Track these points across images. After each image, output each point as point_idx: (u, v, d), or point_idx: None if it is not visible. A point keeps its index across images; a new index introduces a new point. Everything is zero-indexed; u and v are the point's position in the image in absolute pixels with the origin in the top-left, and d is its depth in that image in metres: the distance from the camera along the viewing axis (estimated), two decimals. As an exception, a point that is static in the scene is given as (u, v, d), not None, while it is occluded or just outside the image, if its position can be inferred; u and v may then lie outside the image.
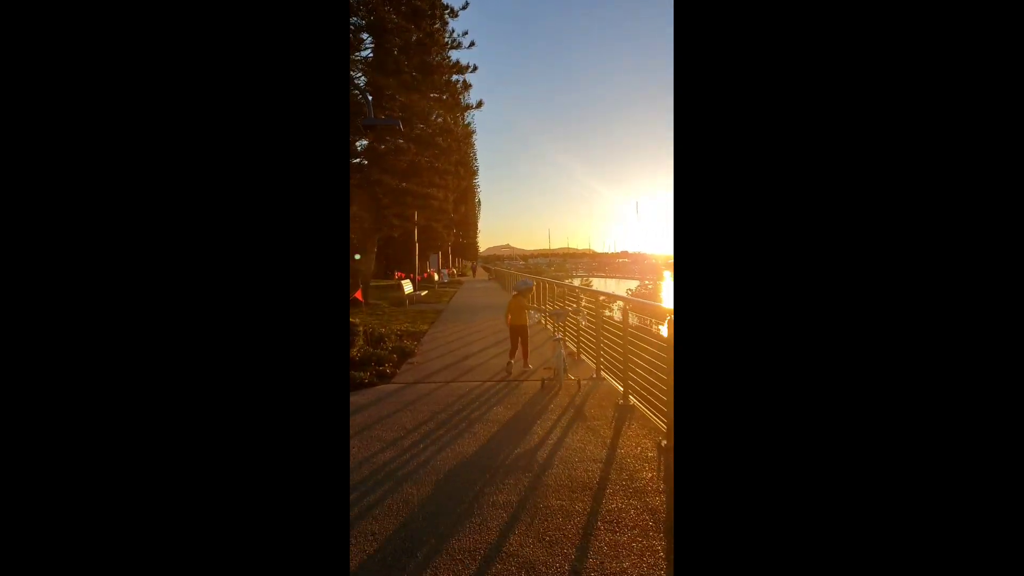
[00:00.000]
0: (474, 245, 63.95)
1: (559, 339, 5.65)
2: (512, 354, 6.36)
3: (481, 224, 69.12)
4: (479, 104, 15.16)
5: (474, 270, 55.48)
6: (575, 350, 7.07)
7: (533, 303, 7.40)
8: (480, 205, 62.66)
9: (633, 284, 37.18)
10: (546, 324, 9.56)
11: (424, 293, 17.85)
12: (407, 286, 15.98)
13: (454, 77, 14.60)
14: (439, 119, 14.58)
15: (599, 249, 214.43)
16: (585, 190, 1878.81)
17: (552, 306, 8.29)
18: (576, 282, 28.05)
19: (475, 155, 32.51)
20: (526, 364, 6.27)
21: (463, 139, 20.91)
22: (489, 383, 5.57)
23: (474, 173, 20.87)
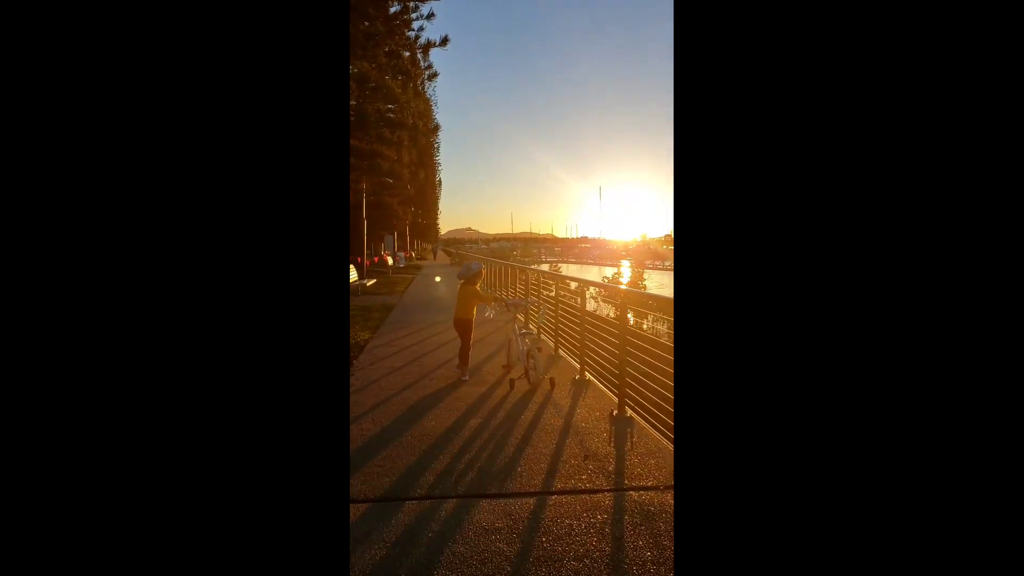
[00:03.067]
0: (434, 226, 59.79)
1: (524, 333, 4.85)
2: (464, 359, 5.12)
3: (442, 205, 64.80)
4: (444, 41, 11.81)
5: (434, 253, 52.11)
6: (551, 344, 6.10)
7: (486, 292, 5.86)
8: (441, 185, 58.39)
9: (607, 271, 34.98)
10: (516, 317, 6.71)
11: (371, 283, 14.45)
12: (350, 273, 12.60)
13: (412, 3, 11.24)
14: (391, 57, 11.15)
15: (560, 234, 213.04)
16: (548, 176, 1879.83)
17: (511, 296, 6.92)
18: (544, 267, 25.38)
19: (436, 112, 26.96)
20: (463, 370, 4.99)
21: (421, 93, 17.30)
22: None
23: (437, 128, 17.38)
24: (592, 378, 4.91)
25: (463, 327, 5.11)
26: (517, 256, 50.94)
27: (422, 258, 44.77)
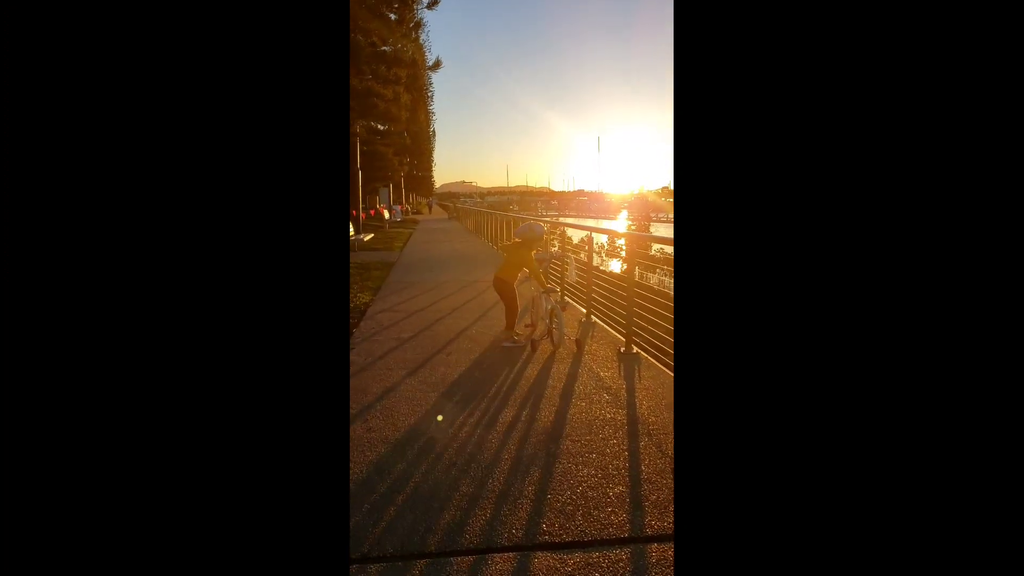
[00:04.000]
0: (429, 179, 57.89)
1: (548, 290, 4.37)
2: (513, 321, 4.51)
3: (436, 158, 62.04)
4: (444, -38, 10.37)
5: (430, 207, 50.64)
6: (583, 310, 5.50)
7: (544, 264, 4.91)
8: (435, 136, 55.81)
9: (607, 225, 33.94)
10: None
11: (368, 238, 13.50)
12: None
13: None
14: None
15: (557, 187, 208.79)
16: (543, 125, 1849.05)
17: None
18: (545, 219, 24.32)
19: (428, 55, 23.97)
20: (511, 331, 4.45)
21: (420, 24, 15.69)
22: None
23: (438, 65, 15.82)
24: (642, 352, 4.12)
25: (503, 288, 4.45)
26: (516, 210, 49.58)
27: (417, 212, 43.49)
